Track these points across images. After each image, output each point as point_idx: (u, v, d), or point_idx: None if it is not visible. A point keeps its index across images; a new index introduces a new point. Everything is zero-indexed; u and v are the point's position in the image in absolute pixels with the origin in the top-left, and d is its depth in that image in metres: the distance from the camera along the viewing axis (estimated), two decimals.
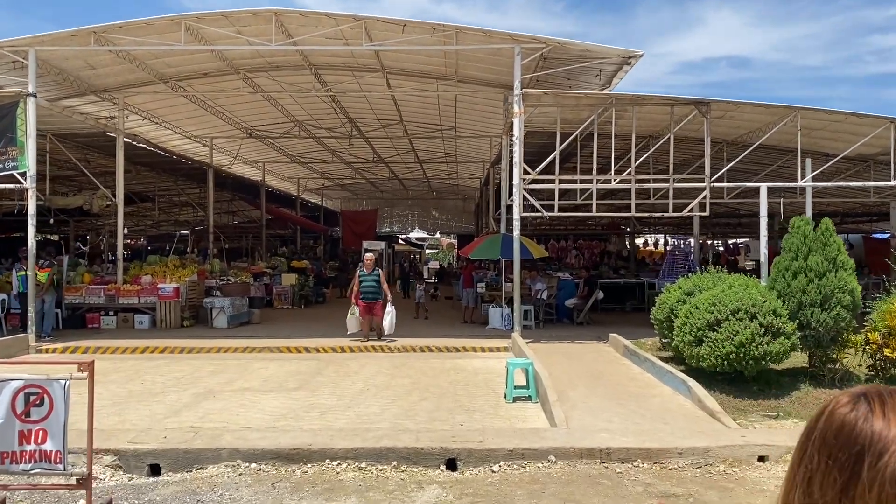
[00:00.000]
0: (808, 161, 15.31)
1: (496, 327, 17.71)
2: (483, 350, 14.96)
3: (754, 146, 15.67)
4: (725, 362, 9.42)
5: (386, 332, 15.46)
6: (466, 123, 25.00)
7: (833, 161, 16.11)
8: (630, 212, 15.13)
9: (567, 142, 15.33)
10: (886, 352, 9.47)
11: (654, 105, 15.20)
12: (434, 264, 53.93)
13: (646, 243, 32.41)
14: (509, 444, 7.38)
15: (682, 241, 17.10)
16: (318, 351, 14.64)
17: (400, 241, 52.22)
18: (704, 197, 14.84)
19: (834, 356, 9.65)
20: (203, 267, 21.50)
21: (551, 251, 27.11)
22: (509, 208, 17.14)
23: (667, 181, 15.00)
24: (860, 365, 9.87)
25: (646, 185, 15.69)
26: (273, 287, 24.45)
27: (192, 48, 16.09)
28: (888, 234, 28.13)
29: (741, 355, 9.17)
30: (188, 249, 30.07)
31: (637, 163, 14.94)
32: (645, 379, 11.45)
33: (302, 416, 9.38)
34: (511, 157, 15.10)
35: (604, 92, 15.82)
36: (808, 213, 15.47)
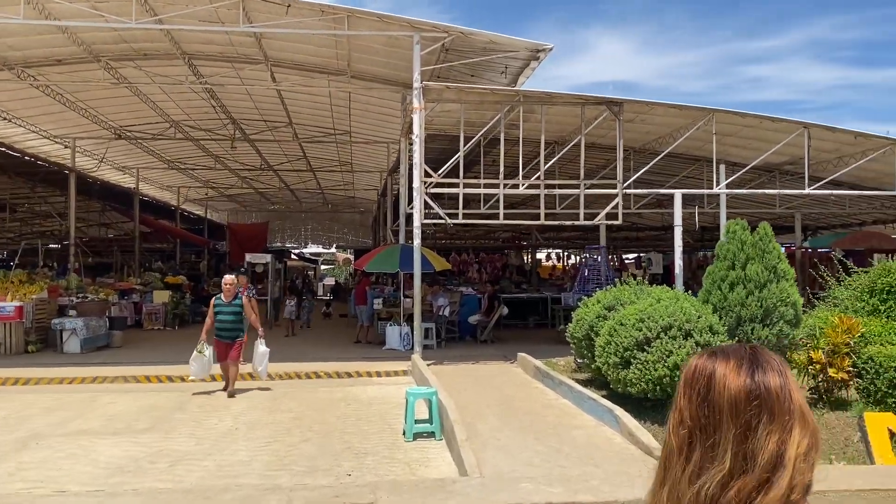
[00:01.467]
0: (723, 167, 14.54)
1: (394, 348, 16.02)
2: (379, 375, 13.23)
3: (668, 150, 14.78)
4: (658, 387, 8.14)
5: (261, 378, 11.89)
6: (362, 127, 23.30)
7: (743, 171, 15.48)
8: (539, 220, 13.85)
9: (472, 143, 13.92)
10: (831, 372, 8.44)
11: (563, 104, 14.04)
12: (329, 280, 51.68)
13: (548, 257, 31.53)
14: None
15: (595, 253, 15.98)
16: (182, 380, 12.45)
17: (293, 256, 49.67)
18: (616, 205, 13.76)
19: None
20: (55, 283, 18.70)
21: (453, 264, 25.72)
22: (409, 218, 15.60)
23: (577, 187, 13.83)
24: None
25: (555, 192, 14.47)
26: (143, 305, 21.78)
27: (34, 23, 13.65)
28: (790, 245, 28.40)
29: (677, 379, 7.88)
30: (42, 263, 26.72)
31: (546, 166, 13.72)
32: (562, 406, 10.05)
33: (145, 470, 7.36)
34: (411, 160, 13.53)
35: (511, 88, 14.52)
36: (723, 221, 14.67)
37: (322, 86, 18.11)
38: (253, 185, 37.01)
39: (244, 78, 18.52)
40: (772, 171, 18.56)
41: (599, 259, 15.66)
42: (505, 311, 18.13)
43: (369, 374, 13.22)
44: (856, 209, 20.72)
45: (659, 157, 15.08)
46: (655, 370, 8.09)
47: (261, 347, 11.53)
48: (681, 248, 13.84)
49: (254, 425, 9.40)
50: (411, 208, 13.61)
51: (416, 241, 13.30)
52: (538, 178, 13.56)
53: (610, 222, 14.23)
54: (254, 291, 13.31)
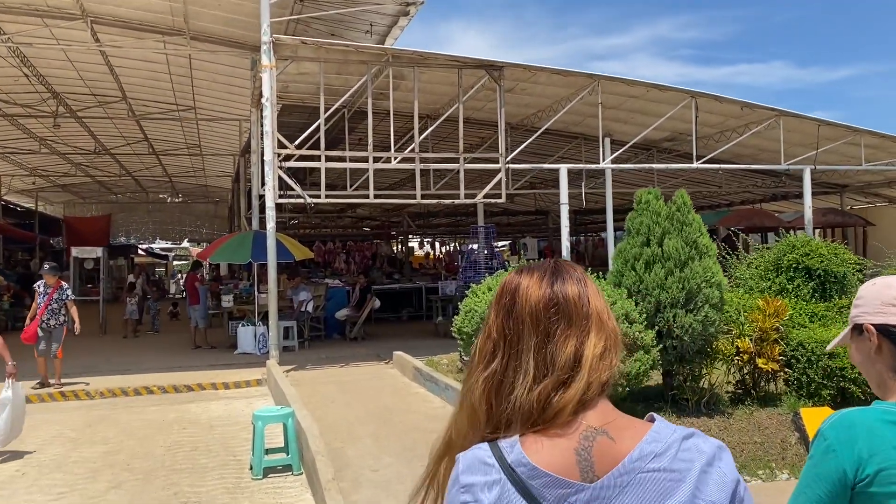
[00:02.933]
0: (608, 141, 13.42)
1: (248, 351, 13.82)
2: (227, 387, 11.07)
3: (549, 123, 13.48)
4: None
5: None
6: (209, 102, 20.64)
7: (626, 146, 14.45)
8: (414, 199, 12.11)
9: (334, 110, 11.99)
10: (760, 362, 7.28)
11: (438, 67, 12.36)
12: (180, 277, 47.69)
13: (422, 245, 29.81)
14: None
15: (484, 237, 14.40)
16: None
17: (140, 251, 45.36)
18: (499, 182, 12.29)
19: (700, 372, 7.27)
20: None
21: (317, 254, 23.54)
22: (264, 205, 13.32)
23: (456, 161, 12.22)
24: (729, 382, 7.62)
25: (431, 166, 12.80)
26: None
27: None
28: None
29: None
30: None
31: (421, 138, 12.04)
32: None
33: None
34: (262, 129, 11.40)
35: (378, 46, 12.66)
36: (609, 198, 13.61)
37: (156, 48, 15.47)
38: (90, 172, 32.98)
39: (60, 38, 15.53)
40: (649, 150, 17.83)
41: (483, 243, 14.09)
42: (377, 304, 16.32)
43: (214, 387, 11.03)
44: (735, 187, 20.53)
45: (541, 132, 13.76)
46: None
47: (3, 391, 7.09)
48: (568, 229, 12.58)
49: (51, 465, 7.10)
50: (264, 189, 11.49)
51: (270, 226, 11.22)
52: (412, 151, 11.83)
53: (493, 201, 12.74)
54: (68, 292, 10.73)
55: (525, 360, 1.26)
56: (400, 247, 33.09)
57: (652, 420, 1.25)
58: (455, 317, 8.73)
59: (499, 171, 12.24)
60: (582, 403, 1.23)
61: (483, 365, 1.31)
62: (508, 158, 12.39)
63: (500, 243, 35.13)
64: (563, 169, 12.64)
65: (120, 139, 26.31)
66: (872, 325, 1.69)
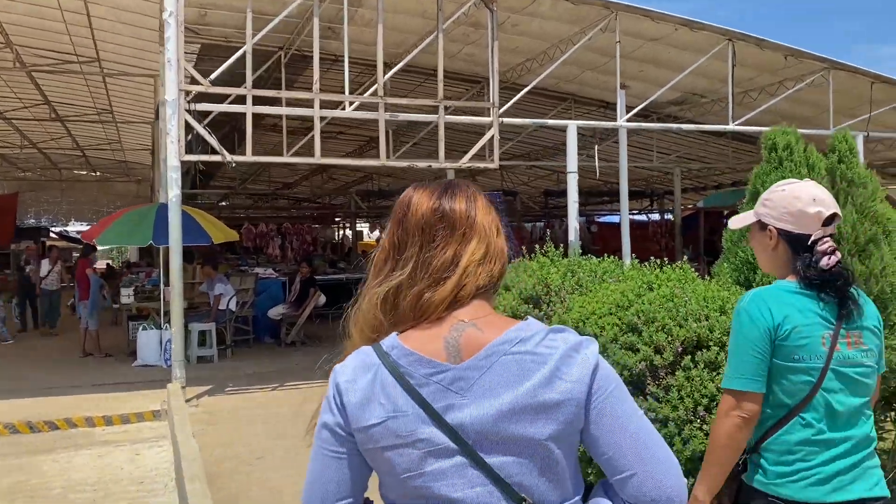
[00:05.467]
0: (623, 94, 10.51)
1: (151, 363, 10.46)
2: (109, 422, 7.73)
3: (552, 68, 10.42)
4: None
5: None
6: (115, 52, 16.85)
7: (639, 108, 11.48)
8: (378, 161, 8.87)
9: (263, 43, 8.69)
10: None
11: None
12: (101, 264, 43.21)
13: (374, 227, 26.13)
14: None
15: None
16: None
17: (52, 235, 40.70)
18: (491, 140, 9.21)
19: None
20: None
21: (247, 238, 20.07)
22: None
23: (435, 110, 9.06)
24: None
25: (403, 116, 9.57)
26: None
27: None
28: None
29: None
30: None
31: (387, 76, 8.86)
32: None
33: None
34: (165, 58, 8.00)
35: None
36: (624, 167, 10.74)
37: None
38: None
39: None
40: (649, 116, 14.97)
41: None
42: (322, 299, 13.10)
43: (90, 423, 7.68)
44: (747, 163, 17.88)
45: (534, 83, 10.70)
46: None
47: None
48: (577, 205, 9.57)
49: None
50: (168, 142, 8.09)
51: (174, 194, 7.86)
52: (374, 93, 8.62)
53: (481, 165, 9.63)
54: None
55: (409, 265, 1.32)
56: (344, 232, 29.68)
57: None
58: None
59: (488, 127, 9.14)
60: (456, 302, 1.30)
61: (375, 275, 1.36)
62: (504, 108, 9.28)
63: None
64: (572, 127, 9.65)
65: (14, 99, 22.18)
66: (775, 228, 2.13)
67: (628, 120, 10.88)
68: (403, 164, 9.08)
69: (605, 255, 5.86)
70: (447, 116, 9.05)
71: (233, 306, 11.46)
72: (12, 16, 15.04)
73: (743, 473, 2.16)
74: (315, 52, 8.55)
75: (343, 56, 8.88)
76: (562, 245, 6.37)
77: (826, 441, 2.05)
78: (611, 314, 4.09)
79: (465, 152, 9.52)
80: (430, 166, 9.18)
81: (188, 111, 7.86)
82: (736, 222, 2.38)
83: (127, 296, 11.75)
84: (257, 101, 8.59)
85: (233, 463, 5.97)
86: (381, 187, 22.36)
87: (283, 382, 9.16)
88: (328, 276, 17.09)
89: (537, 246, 6.12)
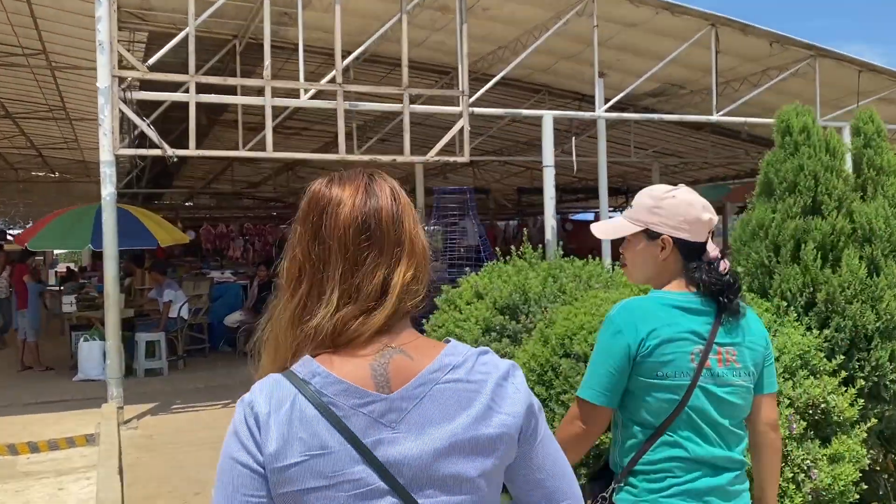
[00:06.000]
0: (601, 82, 9.87)
1: (93, 377, 9.59)
2: (35, 449, 6.88)
3: (522, 56, 9.73)
4: None
5: None
6: (62, 44, 15.87)
7: (617, 98, 10.83)
8: (338, 155, 8.09)
9: (203, 30, 7.90)
10: None
11: None
12: (61, 267, 41.82)
13: None
14: None
15: (450, 201, 10.32)
16: None
17: (9, 238, 39.18)
18: (461, 130, 8.49)
19: None
20: None
21: (206, 239, 19.07)
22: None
23: (399, 98, 8.32)
24: None
25: (363, 105, 8.80)
26: None
27: None
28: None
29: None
30: None
31: (346, 62, 8.10)
32: None
33: None
34: (97, 34, 7.14)
35: None
36: (602, 160, 10.13)
37: None
38: None
39: None
40: (625, 108, 14.36)
41: (462, 214, 9.79)
42: None
43: (13, 450, 6.83)
44: (724, 158, 17.32)
45: (505, 72, 9.98)
46: None
47: None
48: (554, 201, 8.89)
49: None
50: (100, 133, 7.23)
51: (107, 192, 7.03)
52: (332, 80, 7.85)
53: (450, 159, 8.89)
54: None
55: (329, 288, 1.17)
56: None
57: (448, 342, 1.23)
58: None
59: (458, 117, 8.42)
60: (383, 329, 1.18)
61: (290, 292, 1.21)
62: (476, 96, 8.56)
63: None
64: (548, 118, 8.96)
65: None
66: (671, 237, 2.01)
67: (606, 111, 10.24)
68: (364, 158, 8.30)
69: (583, 255, 5.23)
70: (413, 106, 8.29)
71: (185, 313, 10.61)
72: None
73: (613, 497, 2.02)
74: (266, 35, 7.77)
75: (302, 53, 8.10)
76: (540, 246, 5.71)
77: (693, 460, 1.95)
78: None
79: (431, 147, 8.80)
80: (395, 160, 8.41)
81: (123, 100, 7.03)
82: (608, 231, 2.19)
83: (69, 303, 10.85)
84: (207, 91, 7.78)
85: (166, 501, 5.19)
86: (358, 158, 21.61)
87: (235, 397, 8.36)
88: None
89: (512, 247, 5.45)
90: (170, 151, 7.29)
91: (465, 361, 1.18)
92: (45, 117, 23.30)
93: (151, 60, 7.36)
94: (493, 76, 10.17)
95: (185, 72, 7.65)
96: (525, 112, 10.02)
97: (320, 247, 1.19)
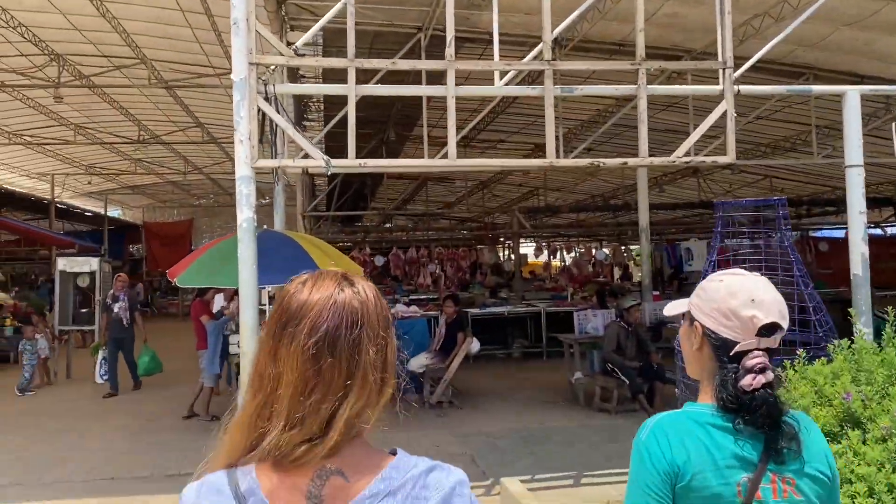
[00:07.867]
0: None
1: None
2: None
3: (813, 9, 6.87)
4: None
5: None
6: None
7: None
8: (545, 163, 5.81)
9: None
10: None
11: None
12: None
13: (539, 250, 22.54)
14: None
15: (734, 215, 7.68)
16: None
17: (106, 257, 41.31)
18: (724, 117, 5.86)
19: None
20: None
21: (394, 264, 17.57)
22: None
23: (632, 77, 5.89)
24: None
25: (581, 91, 6.41)
26: None
27: None
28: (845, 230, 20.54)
29: None
30: None
31: (560, 30, 5.82)
32: None
33: None
34: (232, 11, 5.46)
35: None
36: None
37: None
38: (155, 170, 28.55)
39: None
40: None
41: (774, 238, 6.94)
42: (475, 347, 10.25)
43: None
44: None
45: (777, 40, 7.15)
46: None
47: None
48: (864, 218, 5.96)
49: None
50: (236, 137, 5.53)
51: (244, 217, 5.29)
52: (539, 58, 5.61)
53: (711, 159, 6.22)
54: None
55: (280, 409, 1.18)
56: (507, 252, 26.64)
57: (394, 453, 1.20)
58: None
59: (719, 98, 5.81)
60: (328, 455, 1.17)
61: (252, 393, 1.23)
62: (736, 74, 5.87)
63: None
64: (853, 95, 6.04)
65: (167, 122, 21.55)
66: (700, 325, 1.67)
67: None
68: (583, 162, 5.88)
69: (839, 283, 2.73)
70: (653, 87, 5.82)
71: None
72: (138, 24, 13.75)
73: None
74: (449, 3, 5.69)
75: (497, 34, 5.98)
76: None
77: None
78: None
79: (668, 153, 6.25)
80: (626, 163, 5.94)
81: (263, 93, 5.29)
82: (669, 308, 1.85)
83: (236, 344, 9.52)
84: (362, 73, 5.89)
85: None
86: (549, 202, 19.20)
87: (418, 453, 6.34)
88: (486, 310, 14.26)
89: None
90: (324, 162, 5.43)
91: (403, 485, 1.15)
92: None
93: (299, 42, 5.55)
94: (745, 58, 7.36)
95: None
96: (816, 88, 7.09)
97: (275, 368, 1.18)
